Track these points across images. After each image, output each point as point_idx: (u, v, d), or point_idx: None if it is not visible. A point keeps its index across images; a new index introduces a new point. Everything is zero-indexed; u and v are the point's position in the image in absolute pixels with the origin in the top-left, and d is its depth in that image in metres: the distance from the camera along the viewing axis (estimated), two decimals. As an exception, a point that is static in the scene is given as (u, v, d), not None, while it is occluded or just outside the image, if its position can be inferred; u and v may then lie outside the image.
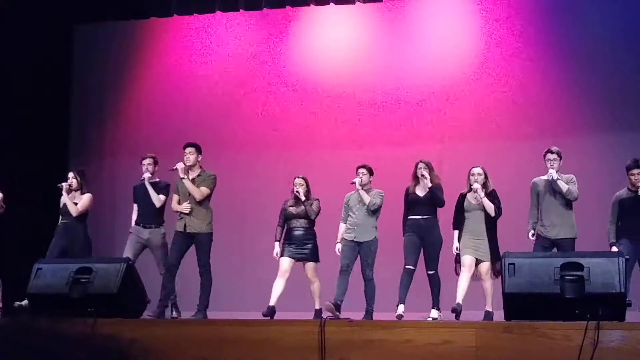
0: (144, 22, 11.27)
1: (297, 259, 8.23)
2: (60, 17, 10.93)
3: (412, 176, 8.16)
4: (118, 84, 11.31)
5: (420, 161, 8.17)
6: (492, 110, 9.86)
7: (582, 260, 5.74)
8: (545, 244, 7.74)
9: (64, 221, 8.61)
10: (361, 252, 8.15)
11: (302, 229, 8.27)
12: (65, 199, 8.57)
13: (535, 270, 5.80)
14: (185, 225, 8.09)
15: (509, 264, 5.87)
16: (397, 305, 7.76)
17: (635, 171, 7.73)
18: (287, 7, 10.60)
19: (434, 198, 8.01)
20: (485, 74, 10.01)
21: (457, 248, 7.87)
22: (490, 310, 7.57)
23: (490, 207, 7.79)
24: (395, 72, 10.33)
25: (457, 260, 7.89)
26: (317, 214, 8.29)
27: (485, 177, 7.91)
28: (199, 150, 8.29)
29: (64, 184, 8.60)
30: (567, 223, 7.76)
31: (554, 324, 5.47)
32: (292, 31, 10.84)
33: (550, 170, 7.75)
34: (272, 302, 7.99)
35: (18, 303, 8.13)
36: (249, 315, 7.54)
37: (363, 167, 8.30)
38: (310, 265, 8.25)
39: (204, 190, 8.16)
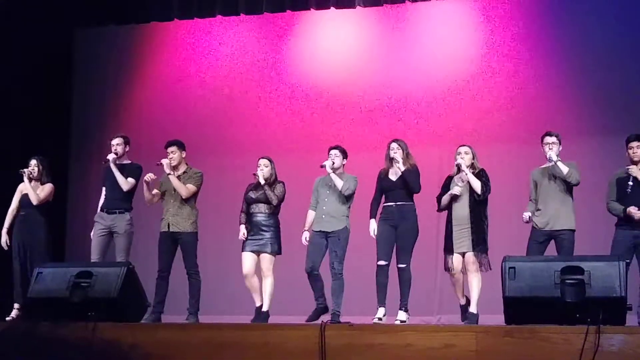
0: (144, 27, 11.28)
1: (257, 252, 7.77)
2: (61, 22, 10.93)
3: (385, 158, 7.71)
4: (119, 88, 11.32)
5: (393, 141, 7.71)
6: (492, 112, 9.85)
7: (583, 264, 5.73)
8: (540, 239, 7.37)
9: (23, 213, 8.35)
10: (329, 242, 7.57)
11: (261, 215, 7.75)
12: (26, 186, 8.29)
13: (536, 274, 5.78)
14: (168, 225, 7.92)
15: (510, 267, 5.85)
16: (378, 309, 7.40)
17: (635, 144, 7.39)
18: (288, 11, 10.60)
19: (407, 183, 7.50)
20: (485, 77, 10.01)
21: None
22: (475, 312, 7.27)
23: (477, 184, 7.32)
24: (395, 75, 10.33)
25: (447, 246, 7.45)
26: (280, 200, 7.78)
27: (473, 157, 7.53)
28: (181, 148, 8.09)
29: (25, 170, 8.32)
30: (566, 212, 7.38)
31: (554, 328, 5.47)
32: (293, 35, 10.85)
33: (550, 153, 7.35)
34: (258, 303, 7.74)
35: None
36: (247, 319, 7.52)
37: (335, 148, 7.76)
38: (265, 257, 7.71)
39: (191, 187, 7.98)
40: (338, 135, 9.96)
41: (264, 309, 7.69)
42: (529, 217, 7.47)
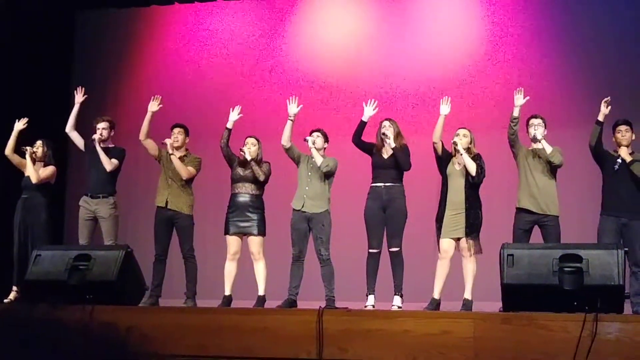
0: (145, 10, 11.25)
1: (241, 234, 7.72)
2: (62, 4, 10.90)
3: (376, 137, 7.66)
4: (119, 71, 11.30)
5: (386, 119, 7.67)
6: (496, 100, 9.80)
7: (581, 252, 5.74)
8: (525, 227, 7.26)
9: (25, 196, 8.34)
10: (313, 228, 7.50)
11: (247, 195, 7.69)
12: (28, 164, 8.28)
13: (534, 262, 5.80)
14: (167, 201, 7.92)
15: (508, 255, 5.87)
16: (367, 296, 7.35)
17: (623, 127, 7.36)
18: (288, -6, 10.59)
19: (398, 160, 7.42)
20: (490, 64, 10.00)
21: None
22: (469, 298, 7.20)
23: (472, 166, 7.25)
24: (395, 61, 10.31)
25: (439, 227, 7.35)
26: (267, 176, 7.74)
27: (471, 141, 7.45)
28: (186, 133, 8.14)
29: (28, 148, 8.31)
30: (551, 197, 7.27)
31: (552, 315, 5.47)
32: (293, 20, 10.82)
33: (535, 132, 7.31)
34: (227, 292, 7.66)
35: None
36: (244, 303, 7.51)
37: (318, 130, 7.76)
38: (254, 240, 7.65)
39: (191, 169, 8.00)
40: (334, 120, 9.93)
41: (260, 293, 7.64)
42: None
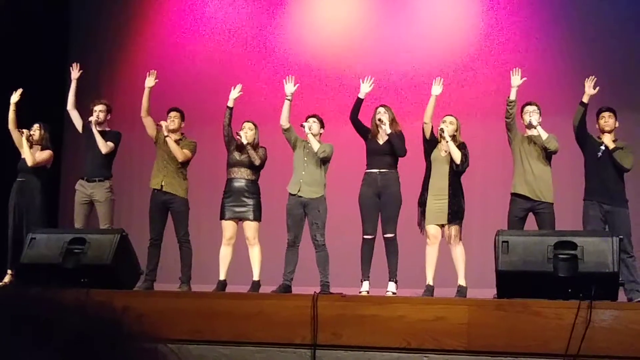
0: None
1: (237, 219, 7.74)
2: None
3: (370, 123, 7.64)
4: (113, 56, 11.28)
5: (381, 105, 7.69)
6: (492, 88, 9.78)
7: (576, 239, 5.74)
8: (520, 214, 7.32)
9: (21, 179, 8.34)
10: (308, 213, 7.54)
11: (243, 180, 7.67)
12: (25, 148, 8.26)
13: (529, 249, 5.80)
14: (162, 184, 7.91)
15: (503, 241, 5.87)
16: (362, 282, 7.38)
17: (606, 114, 7.37)
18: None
19: (393, 146, 7.43)
20: (486, 51, 9.98)
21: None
22: (464, 285, 7.26)
23: (457, 154, 7.28)
24: (394, 48, 10.29)
25: (422, 212, 7.42)
26: (263, 161, 7.71)
27: (457, 129, 7.48)
28: (182, 117, 8.13)
29: (24, 130, 8.29)
30: (545, 184, 7.30)
31: (546, 302, 5.48)
32: (291, 4, 10.79)
33: (531, 119, 7.32)
34: (222, 277, 7.67)
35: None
36: (239, 288, 7.52)
37: (314, 116, 7.74)
38: (249, 225, 7.67)
39: (187, 152, 8.00)
40: (330, 106, 9.91)
41: (255, 278, 7.66)
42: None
